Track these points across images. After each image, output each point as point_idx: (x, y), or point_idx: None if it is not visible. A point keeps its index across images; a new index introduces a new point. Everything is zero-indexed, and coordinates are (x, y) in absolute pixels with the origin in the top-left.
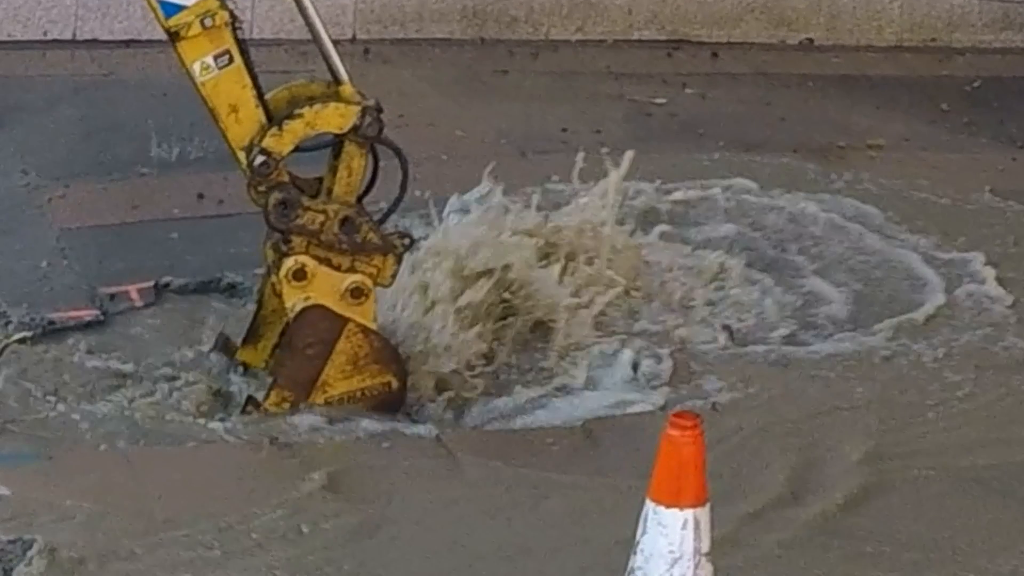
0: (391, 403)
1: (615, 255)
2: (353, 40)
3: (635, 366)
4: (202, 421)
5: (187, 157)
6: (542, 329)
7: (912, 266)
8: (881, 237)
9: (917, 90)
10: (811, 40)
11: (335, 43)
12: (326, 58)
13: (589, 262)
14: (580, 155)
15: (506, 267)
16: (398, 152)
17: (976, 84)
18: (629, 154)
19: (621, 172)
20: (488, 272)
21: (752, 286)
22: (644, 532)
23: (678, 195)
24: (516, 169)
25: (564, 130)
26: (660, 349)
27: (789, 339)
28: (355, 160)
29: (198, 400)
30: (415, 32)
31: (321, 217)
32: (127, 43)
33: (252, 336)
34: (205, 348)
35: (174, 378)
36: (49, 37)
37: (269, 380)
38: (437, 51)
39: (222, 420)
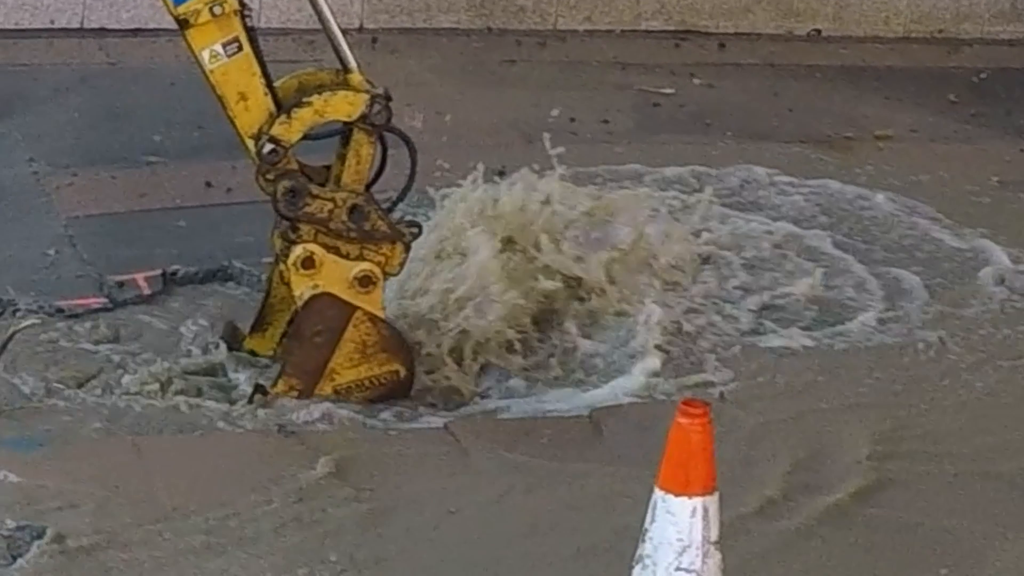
0: (399, 391)
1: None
2: (361, 29)
3: (644, 355)
4: (210, 409)
5: (194, 145)
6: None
7: (972, 258)
8: (938, 228)
9: (924, 81)
10: (819, 31)
11: (343, 32)
12: (335, 46)
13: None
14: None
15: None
16: (407, 140)
17: (983, 75)
18: (708, 190)
19: (706, 198)
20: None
21: (842, 271)
22: (653, 520)
23: (728, 181)
24: (523, 159)
25: (572, 120)
26: (669, 338)
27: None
28: (364, 148)
29: (206, 388)
30: (423, 21)
31: (330, 205)
32: (134, 32)
33: (260, 324)
34: (213, 336)
35: (181, 366)
36: (56, 26)
37: (277, 368)
38: (445, 40)
39: (230, 408)
